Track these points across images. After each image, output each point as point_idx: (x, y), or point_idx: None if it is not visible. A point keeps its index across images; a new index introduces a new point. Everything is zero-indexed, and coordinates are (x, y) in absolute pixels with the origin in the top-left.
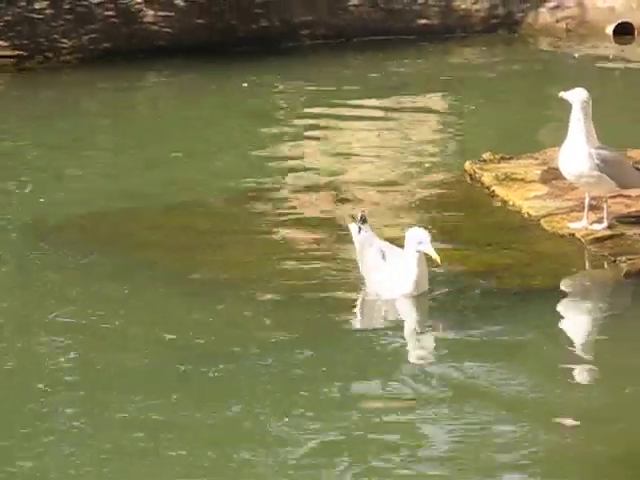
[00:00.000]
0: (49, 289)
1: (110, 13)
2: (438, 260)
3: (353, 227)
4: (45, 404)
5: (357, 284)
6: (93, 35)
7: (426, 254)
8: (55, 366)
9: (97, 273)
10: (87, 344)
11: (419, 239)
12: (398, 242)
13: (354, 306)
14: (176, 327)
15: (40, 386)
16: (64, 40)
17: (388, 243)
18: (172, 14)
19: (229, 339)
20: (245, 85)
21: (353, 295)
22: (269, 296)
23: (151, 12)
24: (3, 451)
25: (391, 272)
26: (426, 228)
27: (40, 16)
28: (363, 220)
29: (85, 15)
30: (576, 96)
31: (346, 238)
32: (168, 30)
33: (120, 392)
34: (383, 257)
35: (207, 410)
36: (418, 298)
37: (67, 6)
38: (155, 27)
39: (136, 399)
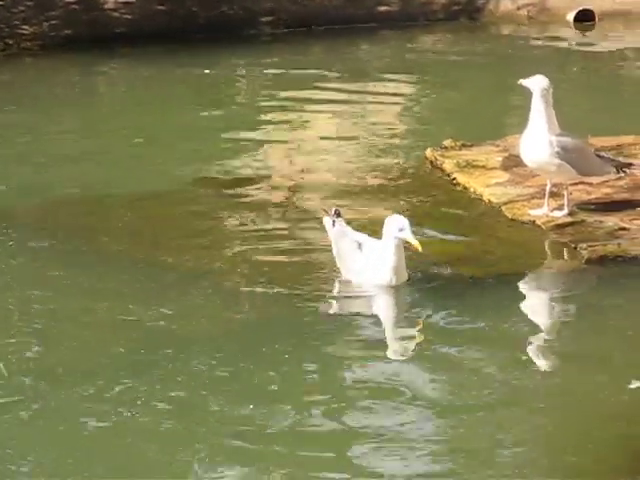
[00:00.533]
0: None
1: (71, 0)
2: (419, 247)
3: (327, 221)
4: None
5: (331, 275)
6: (54, 22)
7: (405, 242)
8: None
9: (54, 261)
10: (44, 330)
11: (399, 226)
12: (360, 229)
13: (328, 296)
14: (137, 314)
15: None
16: (25, 27)
17: (363, 234)
18: (133, 1)
19: (193, 326)
20: (207, 72)
21: (328, 286)
22: (239, 285)
23: None
24: None
25: (368, 261)
26: (383, 215)
27: (0, 2)
28: (337, 214)
29: (46, 2)
30: (536, 83)
31: (314, 225)
32: (129, 17)
33: (75, 377)
34: (359, 247)
35: (167, 397)
36: (395, 288)
37: None
38: (116, 14)
39: (90, 385)
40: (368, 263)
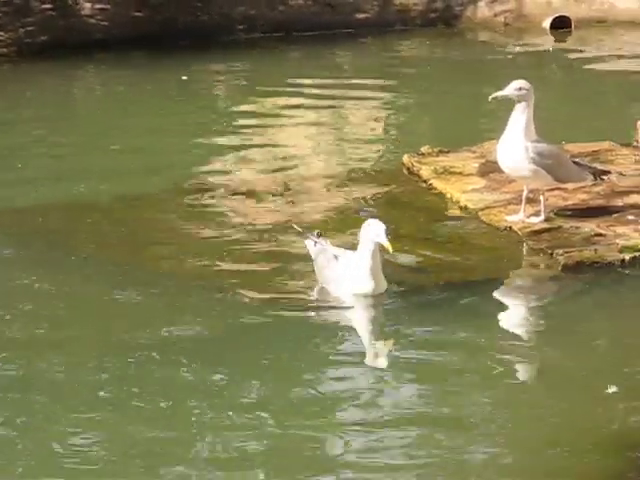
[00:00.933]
0: None
1: (47, 6)
2: (390, 248)
3: (309, 243)
4: None
5: (309, 284)
6: (30, 28)
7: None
8: None
9: (30, 265)
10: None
11: (376, 231)
12: (335, 236)
13: (305, 304)
14: (110, 318)
15: None
16: (0, 33)
17: (341, 249)
18: (109, 7)
19: (167, 330)
20: (185, 78)
21: (305, 294)
22: (213, 291)
23: (88, 5)
24: None
25: (345, 270)
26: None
27: None
28: (319, 235)
29: (22, 8)
30: (514, 89)
31: (290, 233)
32: (105, 23)
33: (60, 386)
34: (336, 259)
35: (141, 399)
36: (373, 297)
37: None
38: (92, 20)
39: (76, 394)
40: (345, 272)
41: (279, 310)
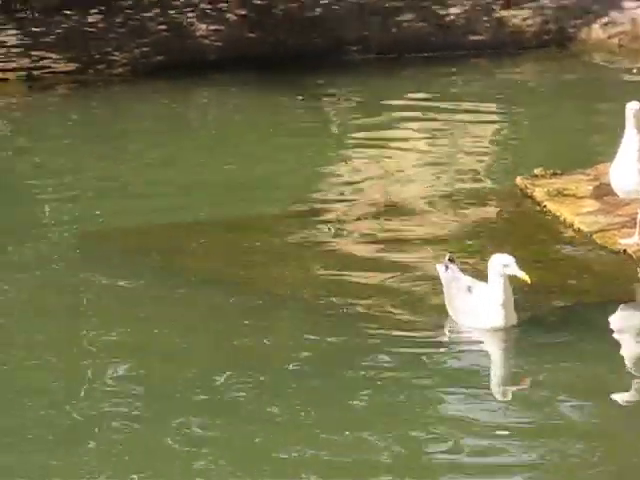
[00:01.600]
0: (100, 308)
1: (162, 27)
2: (527, 279)
3: (440, 267)
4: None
5: (437, 317)
6: (145, 48)
7: (513, 278)
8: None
9: (150, 289)
10: (146, 361)
11: (505, 262)
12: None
13: (434, 336)
14: (230, 340)
15: (105, 407)
16: (116, 53)
17: (473, 279)
18: (223, 28)
19: (287, 352)
20: (300, 98)
21: (433, 325)
22: (332, 312)
23: (203, 26)
24: None
25: (476, 302)
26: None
27: (93, 29)
28: (451, 260)
29: (137, 28)
30: (629, 110)
31: (411, 256)
32: (219, 44)
33: (174, 402)
34: (469, 290)
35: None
36: (504, 330)
37: (120, 19)
38: (206, 41)
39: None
40: (477, 305)
41: (405, 345)
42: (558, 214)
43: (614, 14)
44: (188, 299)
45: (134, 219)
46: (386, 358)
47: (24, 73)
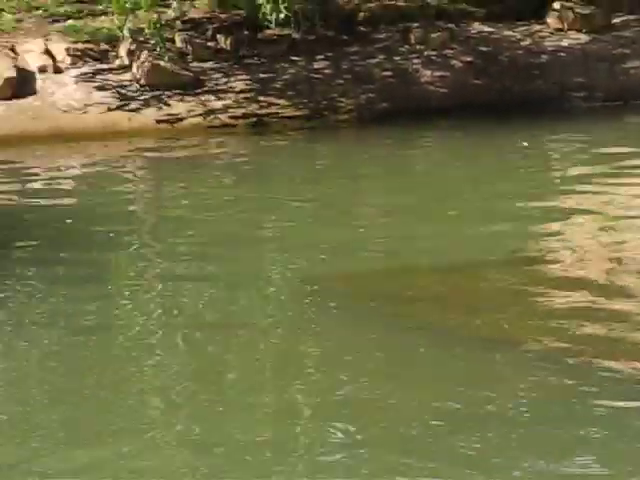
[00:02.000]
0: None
1: (387, 73)
2: None
3: None
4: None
5: None
6: (371, 95)
7: None
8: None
9: (370, 331)
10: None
11: None
12: None
13: None
14: (444, 389)
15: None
16: (342, 99)
17: None
18: (448, 74)
19: (504, 400)
20: (525, 144)
21: None
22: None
23: (428, 72)
24: None
25: None
26: None
27: (319, 75)
28: None
29: (363, 75)
30: None
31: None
32: (444, 90)
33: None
34: None
35: None
36: None
37: (346, 66)
38: (432, 87)
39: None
40: None
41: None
42: None
43: None
44: (413, 345)
45: (351, 265)
46: None
47: (253, 120)
